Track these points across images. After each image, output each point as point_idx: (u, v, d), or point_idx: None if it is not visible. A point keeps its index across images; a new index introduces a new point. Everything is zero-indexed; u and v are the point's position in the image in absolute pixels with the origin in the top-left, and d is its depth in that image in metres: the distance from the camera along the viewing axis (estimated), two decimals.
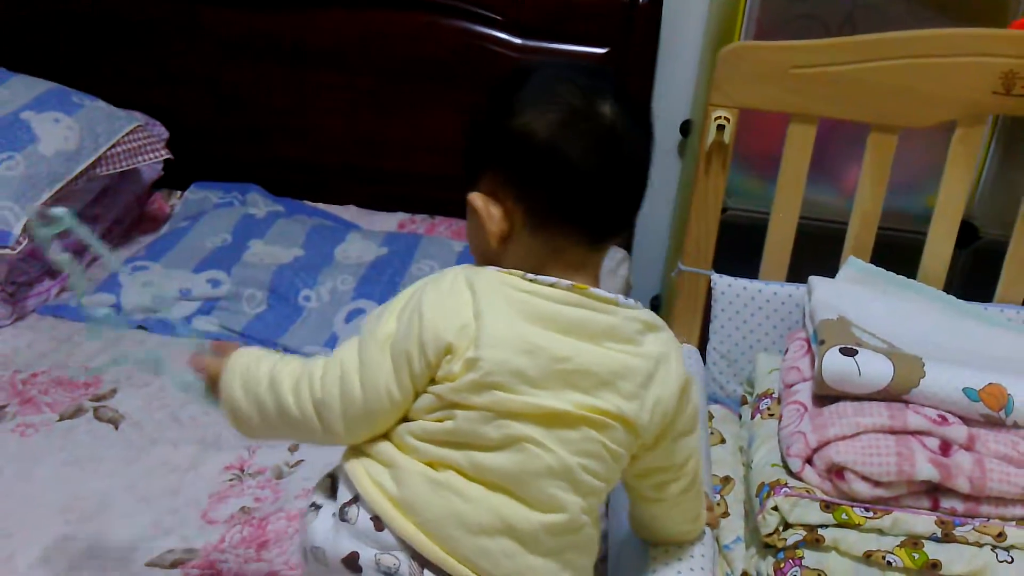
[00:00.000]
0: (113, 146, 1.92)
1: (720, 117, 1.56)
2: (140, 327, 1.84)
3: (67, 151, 1.84)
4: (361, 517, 0.88)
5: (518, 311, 0.88)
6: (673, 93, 2.19)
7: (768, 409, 1.50)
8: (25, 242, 1.74)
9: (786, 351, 1.55)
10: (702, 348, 1.70)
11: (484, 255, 0.94)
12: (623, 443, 0.91)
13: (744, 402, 1.66)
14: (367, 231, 2.13)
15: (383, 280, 1.91)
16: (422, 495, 0.86)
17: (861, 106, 1.56)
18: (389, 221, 2.26)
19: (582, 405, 0.88)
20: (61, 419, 1.55)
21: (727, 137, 1.57)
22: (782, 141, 1.59)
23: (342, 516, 0.89)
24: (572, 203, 0.88)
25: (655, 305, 2.38)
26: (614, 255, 2.20)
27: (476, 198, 0.91)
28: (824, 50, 1.55)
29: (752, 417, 1.52)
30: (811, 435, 1.31)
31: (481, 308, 0.87)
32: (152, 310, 1.87)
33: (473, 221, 0.93)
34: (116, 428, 1.54)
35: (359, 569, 0.87)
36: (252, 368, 0.97)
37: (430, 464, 0.88)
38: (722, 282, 1.66)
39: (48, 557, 1.27)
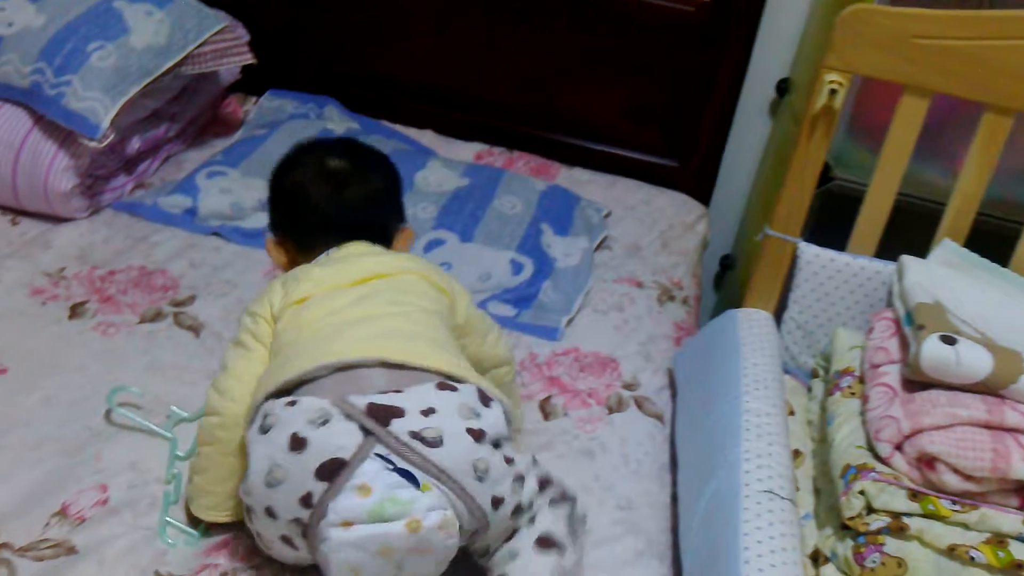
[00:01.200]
0: (201, 45, 1.88)
1: (833, 81, 1.52)
2: (215, 234, 1.83)
3: (157, 46, 1.81)
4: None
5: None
6: (773, 50, 2.13)
7: (850, 387, 1.49)
8: (112, 136, 1.72)
9: (870, 329, 1.53)
10: (778, 316, 1.68)
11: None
12: None
13: (815, 375, 1.65)
14: (447, 159, 2.09)
15: (465, 212, 1.89)
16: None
17: (979, 84, 1.50)
18: (466, 151, 2.22)
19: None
20: (142, 321, 1.55)
21: (838, 103, 1.52)
22: None
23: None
24: (317, 228, 1.31)
25: (724, 265, 2.35)
26: (692, 210, 2.17)
27: (268, 243, 1.36)
28: (949, 22, 1.49)
29: (831, 393, 1.51)
30: (904, 421, 1.29)
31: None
32: (229, 217, 1.85)
33: (273, 256, 1.37)
34: (197, 336, 1.53)
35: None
36: None
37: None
38: (809, 251, 1.63)
39: (135, 462, 1.28)
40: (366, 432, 1.02)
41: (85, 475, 1.24)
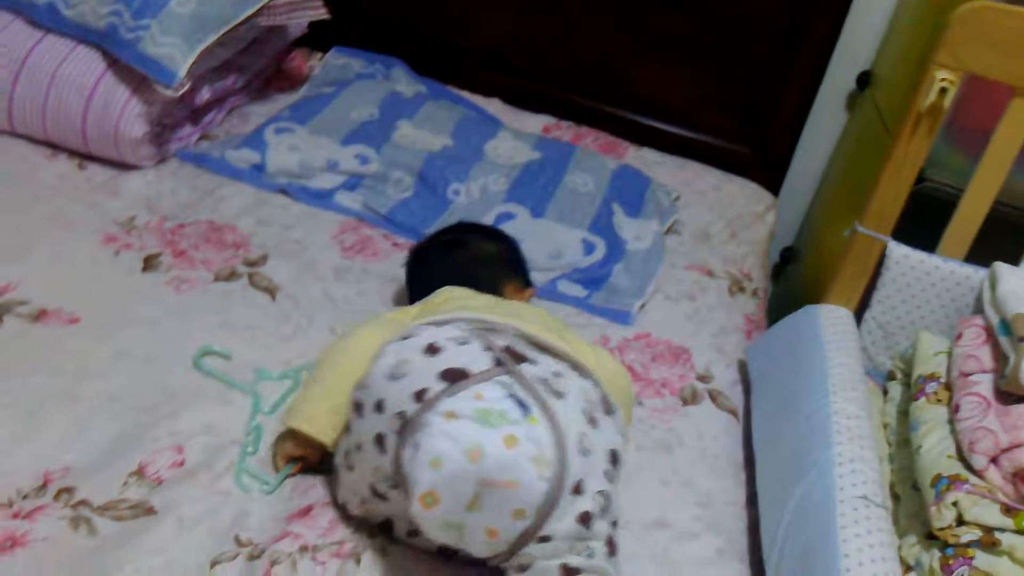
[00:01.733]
0: None
1: (944, 79, 1.46)
2: (281, 191, 1.79)
3: None
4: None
5: None
6: (856, 42, 2.06)
7: (935, 394, 1.45)
8: (187, 84, 1.67)
9: (959, 336, 1.48)
10: (858, 314, 1.64)
11: None
12: None
13: (892, 377, 1.61)
14: (518, 131, 2.04)
15: (536, 187, 1.84)
16: None
17: None
18: (533, 123, 2.17)
19: None
20: (216, 279, 1.51)
21: (947, 102, 1.47)
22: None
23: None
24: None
25: (786, 257, 2.30)
26: (762, 199, 2.12)
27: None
28: None
29: (915, 398, 1.47)
30: (1002, 435, 1.25)
31: None
32: (297, 176, 1.81)
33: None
34: (273, 298, 1.50)
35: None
36: None
37: None
38: (898, 251, 1.58)
39: (211, 424, 1.24)
40: (497, 363, 1.08)
41: (161, 435, 1.20)
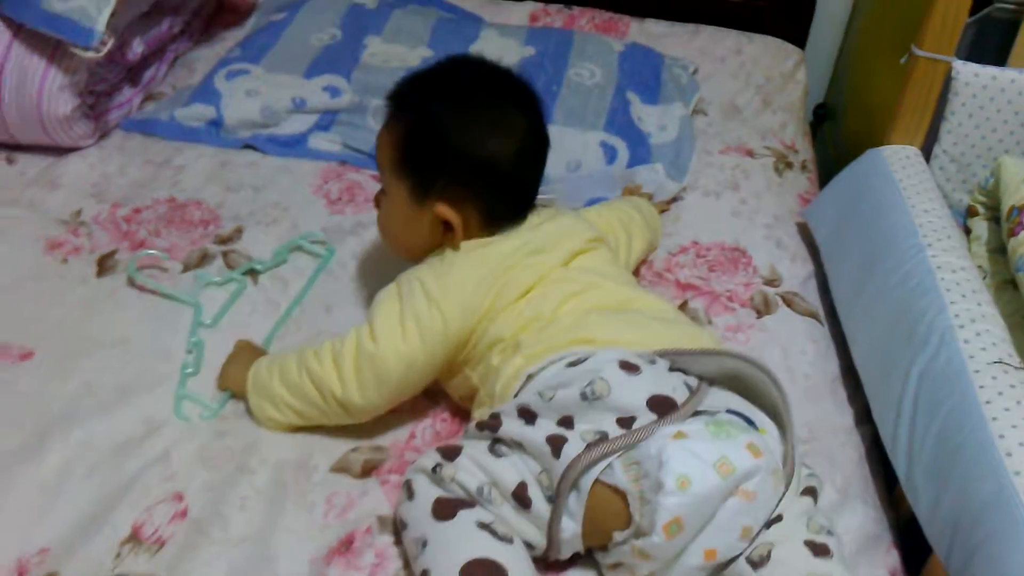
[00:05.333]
0: None
1: None
2: (248, 146, 1.54)
3: None
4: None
5: None
6: None
7: None
8: (110, 41, 1.41)
9: None
10: (926, 151, 1.41)
11: (415, 251, 1.11)
12: None
13: (973, 214, 1.39)
14: (503, 26, 1.76)
15: (538, 86, 1.57)
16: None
17: None
18: (518, 13, 1.89)
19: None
20: (186, 269, 1.27)
21: None
22: None
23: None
24: (517, 201, 1.11)
25: (820, 116, 2.04)
26: (789, 55, 1.85)
27: (447, 211, 1.05)
28: None
29: (1013, 233, 1.24)
30: None
31: None
32: (261, 125, 1.55)
33: (421, 224, 1.08)
34: (255, 283, 1.27)
35: None
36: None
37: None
38: (966, 70, 1.35)
39: (211, 457, 1.03)
40: (689, 390, 0.93)
41: (153, 482, 0.99)
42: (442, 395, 1.12)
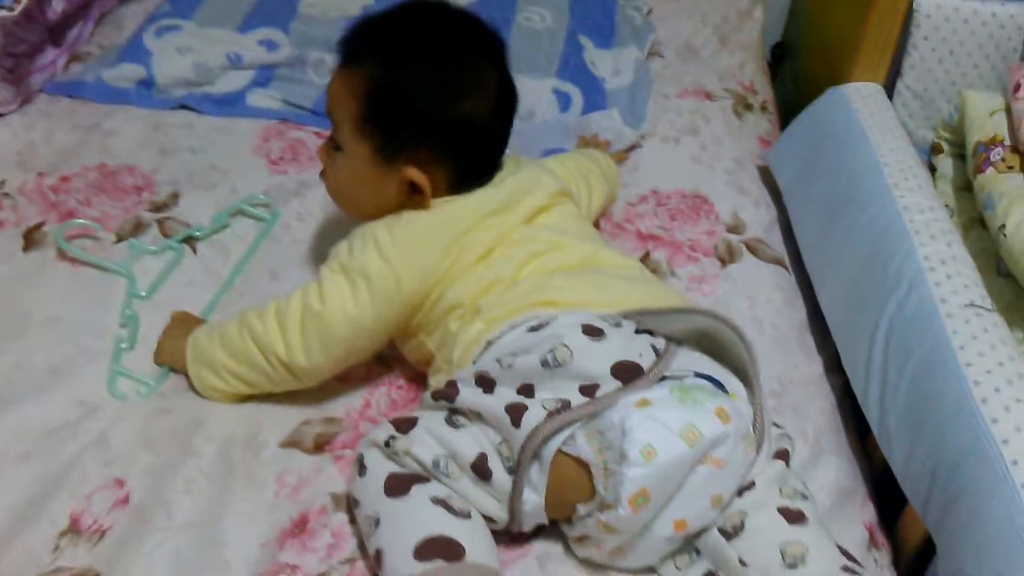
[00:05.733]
0: None
1: None
2: (182, 106, 1.45)
3: None
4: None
5: None
6: None
7: (1003, 160, 1.21)
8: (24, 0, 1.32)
9: (1016, 87, 1.23)
10: (888, 87, 1.37)
11: (372, 212, 1.02)
12: None
13: (937, 151, 1.37)
14: None
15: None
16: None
17: None
18: None
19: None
20: (119, 240, 1.20)
21: None
22: None
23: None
24: (487, 160, 1.04)
25: (778, 55, 1.99)
26: None
27: (417, 175, 0.98)
28: None
29: (980, 170, 1.22)
30: None
31: None
32: (195, 83, 1.47)
33: (383, 185, 1.00)
34: (194, 252, 1.20)
35: None
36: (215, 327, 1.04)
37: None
38: (928, 2, 1.33)
39: (153, 438, 0.97)
40: (656, 353, 0.88)
41: (92, 468, 0.93)
42: (397, 360, 1.07)
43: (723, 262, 1.24)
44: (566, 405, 0.83)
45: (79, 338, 1.06)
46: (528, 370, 0.86)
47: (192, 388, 1.02)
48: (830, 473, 1.00)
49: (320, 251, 1.19)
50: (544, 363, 0.85)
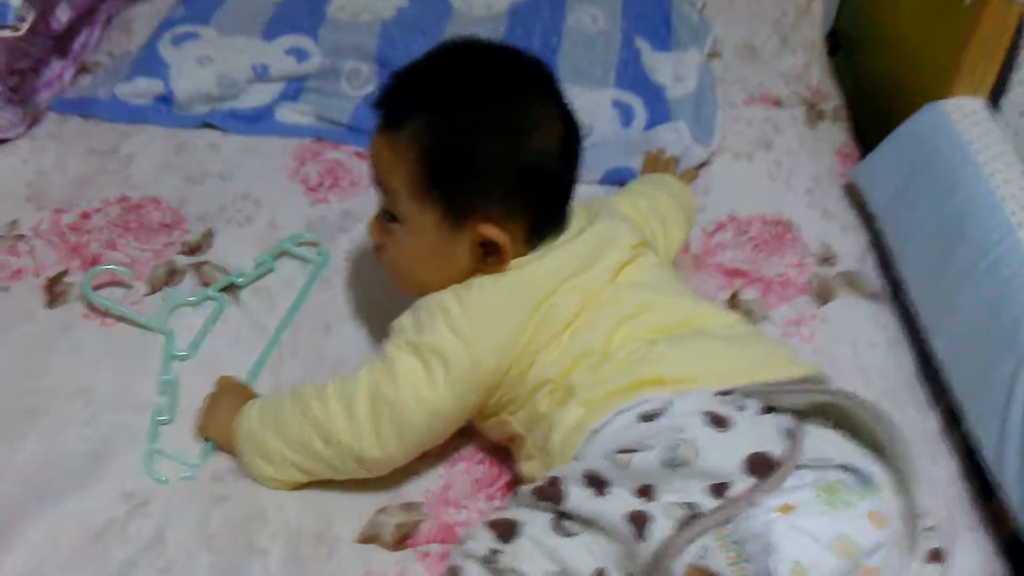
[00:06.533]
0: None
1: None
2: (206, 125, 1.32)
3: None
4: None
5: None
6: None
7: None
8: (30, 15, 1.17)
9: None
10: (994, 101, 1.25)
11: (442, 285, 0.89)
12: None
13: None
14: None
15: (535, 38, 1.38)
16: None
17: None
18: None
19: None
20: (152, 291, 1.07)
21: None
22: None
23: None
24: (560, 205, 0.92)
25: (834, 44, 1.86)
26: None
27: (493, 232, 0.86)
28: None
29: None
30: None
31: None
32: (218, 99, 1.33)
33: (455, 251, 0.88)
34: (237, 302, 1.07)
35: None
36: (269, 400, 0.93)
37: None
38: None
39: (212, 534, 0.85)
40: (786, 436, 0.77)
41: (145, 569, 0.82)
42: (472, 429, 0.95)
43: (822, 300, 1.13)
44: (697, 513, 0.72)
45: (116, 412, 0.94)
46: (647, 470, 0.75)
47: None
48: (972, 559, 0.89)
49: (374, 298, 1.07)
50: (667, 463, 0.74)
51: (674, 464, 0.74)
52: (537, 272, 0.87)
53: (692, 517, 0.72)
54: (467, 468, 0.93)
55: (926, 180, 1.16)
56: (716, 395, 0.80)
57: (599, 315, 0.86)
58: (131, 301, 1.05)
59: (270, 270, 1.10)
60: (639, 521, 0.73)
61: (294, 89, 1.36)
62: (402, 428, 0.84)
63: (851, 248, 1.21)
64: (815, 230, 1.23)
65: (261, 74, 1.35)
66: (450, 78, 0.88)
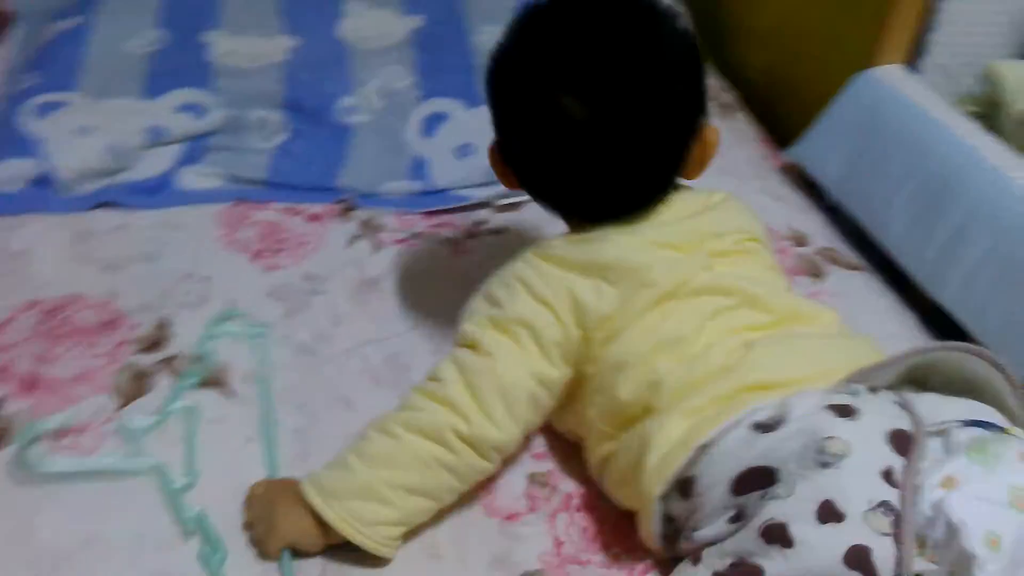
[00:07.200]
0: None
1: None
2: (100, 205, 1.14)
3: None
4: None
5: None
6: None
7: None
8: None
9: None
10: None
11: None
12: None
13: None
14: None
15: (447, 65, 1.31)
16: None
17: None
18: None
19: None
20: (125, 403, 0.89)
21: None
22: None
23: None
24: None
25: None
26: None
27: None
28: None
29: None
30: None
31: None
32: (111, 172, 1.15)
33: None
34: (223, 390, 0.90)
35: None
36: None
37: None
38: None
39: None
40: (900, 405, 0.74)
41: None
42: (549, 477, 0.86)
43: (815, 277, 1.13)
44: (895, 511, 0.67)
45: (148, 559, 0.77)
46: (822, 489, 0.68)
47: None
48: None
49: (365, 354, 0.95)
50: (821, 465, 0.69)
51: (828, 464, 0.69)
52: (620, 242, 0.82)
53: (894, 524, 0.67)
54: (568, 519, 0.83)
55: (887, 146, 1.18)
56: (825, 391, 0.76)
57: (693, 303, 0.81)
58: (105, 419, 0.87)
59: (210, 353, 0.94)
60: (863, 557, 0.66)
61: (196, 150, 1.20)
62: (508, 398, 0.79)
63: (816, 226, 1.22)
64: (775, 215, 1.22)
65: (156, 137, 1.18)
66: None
